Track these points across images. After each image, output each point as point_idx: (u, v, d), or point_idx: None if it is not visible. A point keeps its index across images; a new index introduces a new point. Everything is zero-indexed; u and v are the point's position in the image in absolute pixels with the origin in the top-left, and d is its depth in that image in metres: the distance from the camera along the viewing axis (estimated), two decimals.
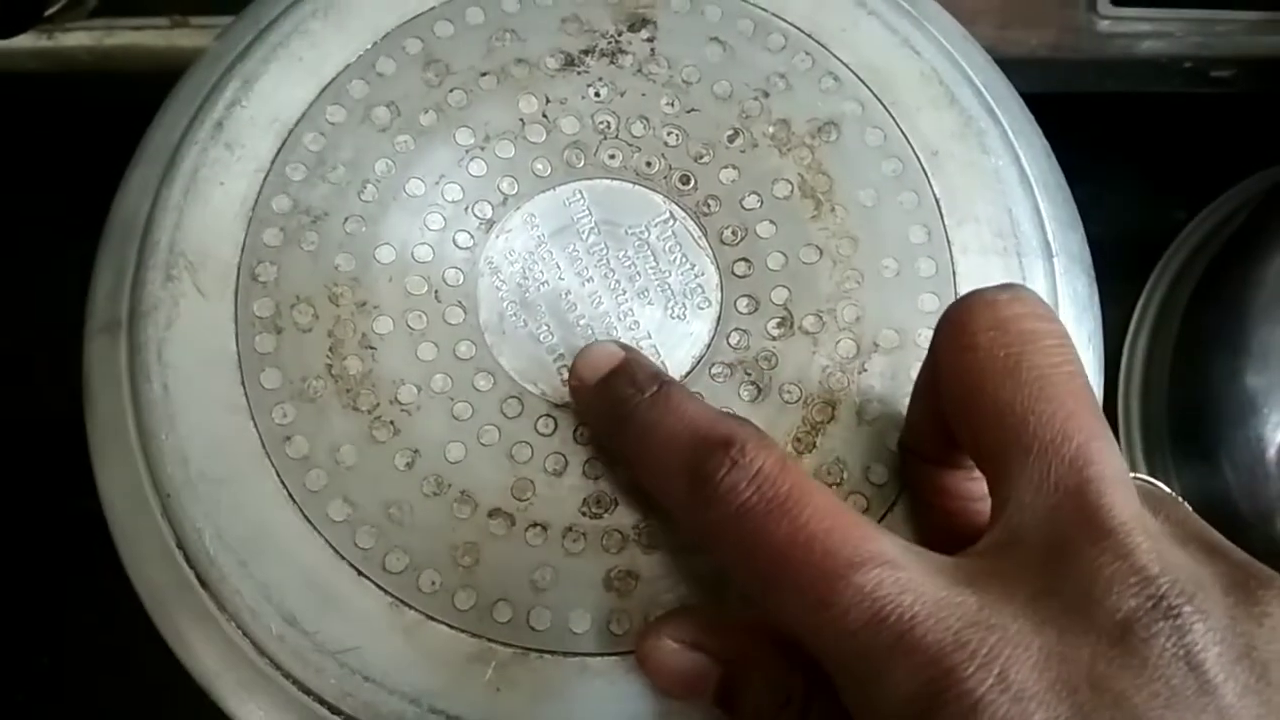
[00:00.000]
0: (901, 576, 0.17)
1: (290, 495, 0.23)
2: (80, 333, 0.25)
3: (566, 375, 0.24)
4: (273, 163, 0.25)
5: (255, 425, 0.23)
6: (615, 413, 0.21)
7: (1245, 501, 0.41)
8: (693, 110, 0.26)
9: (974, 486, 0.21)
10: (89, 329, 0.25)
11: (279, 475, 0.23)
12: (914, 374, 0.24)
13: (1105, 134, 0.43)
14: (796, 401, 0.24)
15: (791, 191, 0.25)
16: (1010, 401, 0.18)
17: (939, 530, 0.22)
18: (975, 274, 0.25)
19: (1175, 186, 0.46)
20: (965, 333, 0.19)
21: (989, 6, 0.28)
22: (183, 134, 0.25)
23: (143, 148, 0.26)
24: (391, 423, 0.23)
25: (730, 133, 0.26)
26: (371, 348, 0.24)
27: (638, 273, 0.25)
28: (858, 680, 0.17)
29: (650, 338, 0.25)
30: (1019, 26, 0.38)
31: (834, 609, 0.17)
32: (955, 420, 0.19)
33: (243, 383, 0.23)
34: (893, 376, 0.24)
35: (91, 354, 0.25)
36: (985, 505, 0.21)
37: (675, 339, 0.25)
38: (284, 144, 0.25)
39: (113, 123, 0.33)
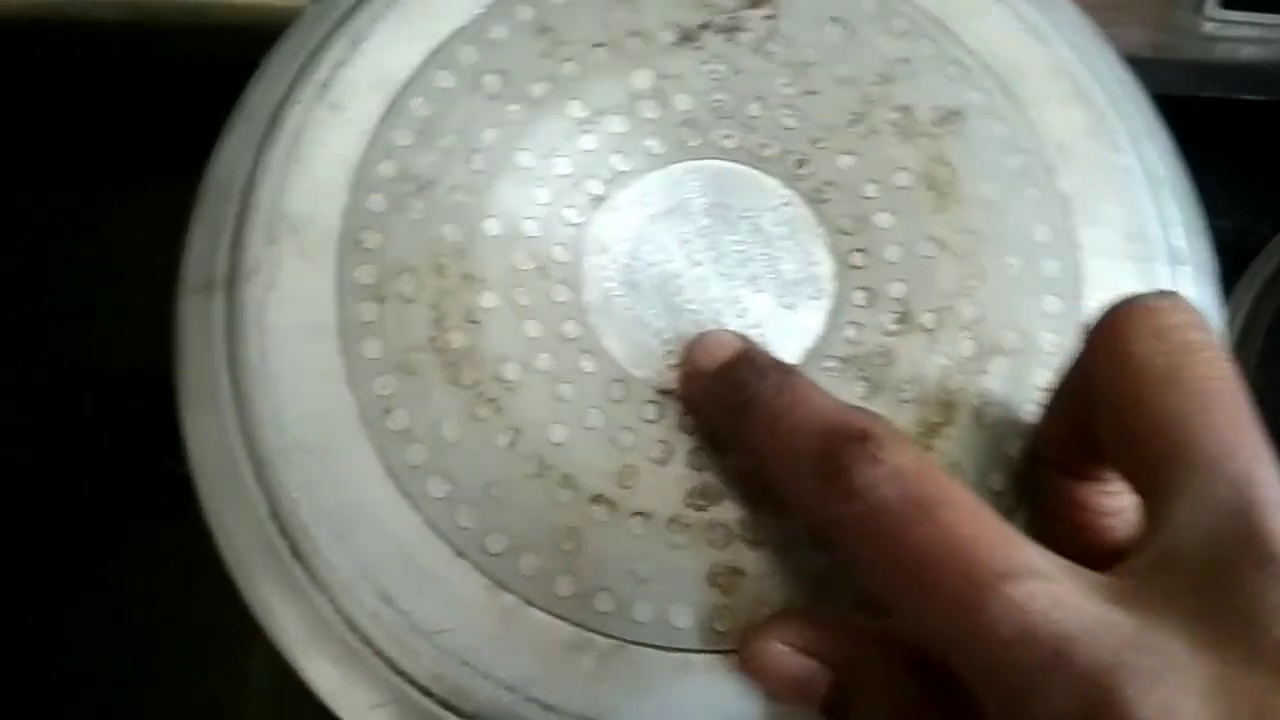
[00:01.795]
0: (1055, 590, 0.16)
1: (389, 469, 0.22)
2: (171, 286, 0.25)
3: (673, 361, 0.23)
4: (379, 126, 0.24)
5: (354, 395, 0.22)
6: (736, 398, 0.21)
7: None
8: (811, 93, 0.25)
9: (1108, 500, 0.20)
10: (183, 287, 0.24)
11: (377, 448, 0.22)
12: (1035, 379, 0.23)
13: (1199, 139, 0.42)
14: (912, 401, 0.23)
15: (912, 181, 0.24)
16: (1170, 412, 0.17)
17: (1064, 543, 0.21)
18: (1102, 278, 0.24)
19: (1267, 196, 0.44)
20: (1122, 339, 0.18)
21: (1095, 3, 0.27)
22: (285, 93, 0.24)
23: (242, 106, 0.25)
24: (494, 400, 0.23)
25: (850, 117, 0.25)
26: (475, 322, 0.23)
27: (749, 258, 0.24)
28: (1007, 694, 0.16)
29: (759, 327, 0.24)
30: (1124, 24, 0.37)
31: (982, 618, 0.16)
32: (1105, 430, 0.19)
33: (343, 351, 0.23)
34: (1014, 380, 0.23)
35: (185, 313, 0.24)
36: (1117, 521, 0.20)
37: (785, 329, 0.24)
38: (391, 108, 0.24)
39: (199, 77, 0.33)
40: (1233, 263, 0.43)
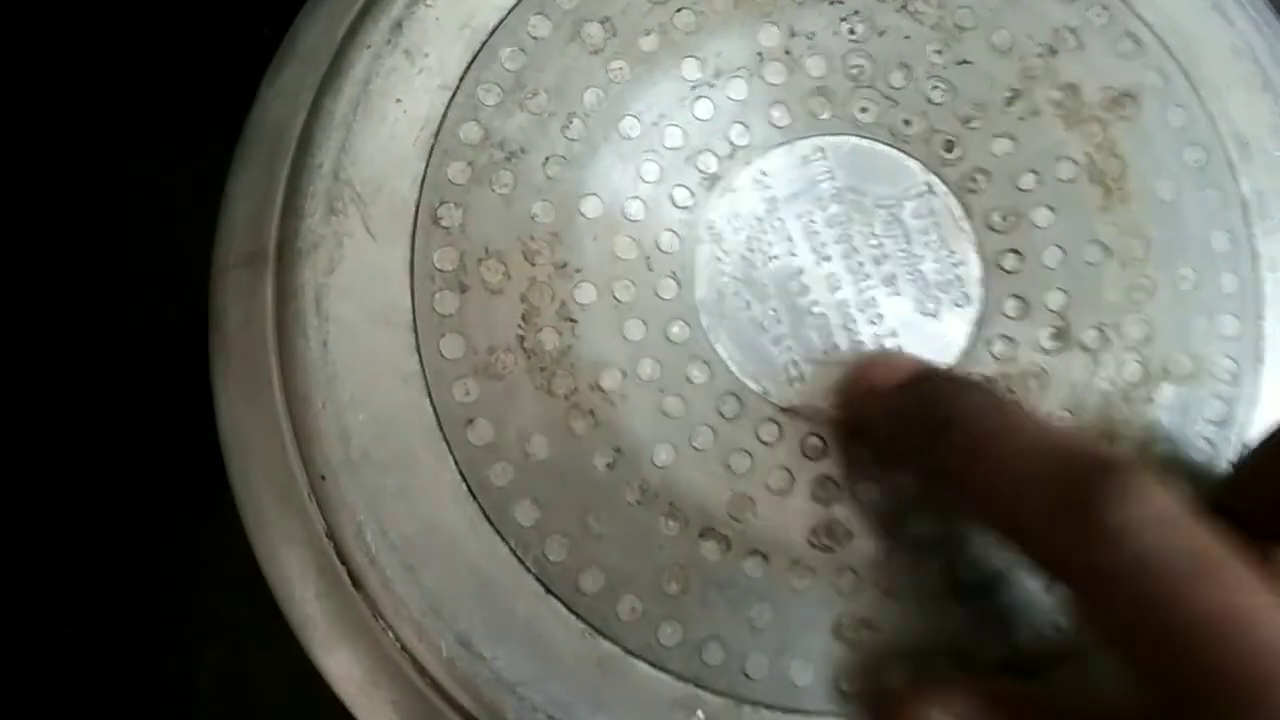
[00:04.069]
0: None
1: (470, 490, 0.19)
2: (208, 247, 0.21)
3: (795, 373, 0.20)
4: (461, 80, 0.20)
5: (432, 401, 0.19)
6: (931, 416, 0.17)
7: None
8: (964, 62, 0.21)
9: None
10: (222, 257, 0.21)
11: (458, 464, 0.19)
12: (1208, 411, 0.20)
13: None
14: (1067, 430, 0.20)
15: (1077, 173, 0.21)
16: None
17: None
18: None
19: None
20: None
21: None
22: (349, 30, 0.21)
23: (292, 41, 0.22)
24: (591, 412, 0.19)
25: (1008, 94, 0.21)
26: (571, 320, 0.20)
27: (885, 255, 0.21)
28: None
29: (896, 335, 0.21)
30: None
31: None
32: None
33: (418, 348, 0.19)
34: (1183, 411, 0.20)
35: (226, 289, 0.21)
36: None
37: (925, 339, 0.21)
38: (476, 58, 0.20)
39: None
40: None
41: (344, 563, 0.19)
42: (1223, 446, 0.20)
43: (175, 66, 0.32)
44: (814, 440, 0.20)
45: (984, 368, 0.20)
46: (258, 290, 0.20)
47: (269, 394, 0.20)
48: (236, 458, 0.20)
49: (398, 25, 0.20)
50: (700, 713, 0.19)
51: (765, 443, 0.20)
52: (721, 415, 0.20)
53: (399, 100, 0.20)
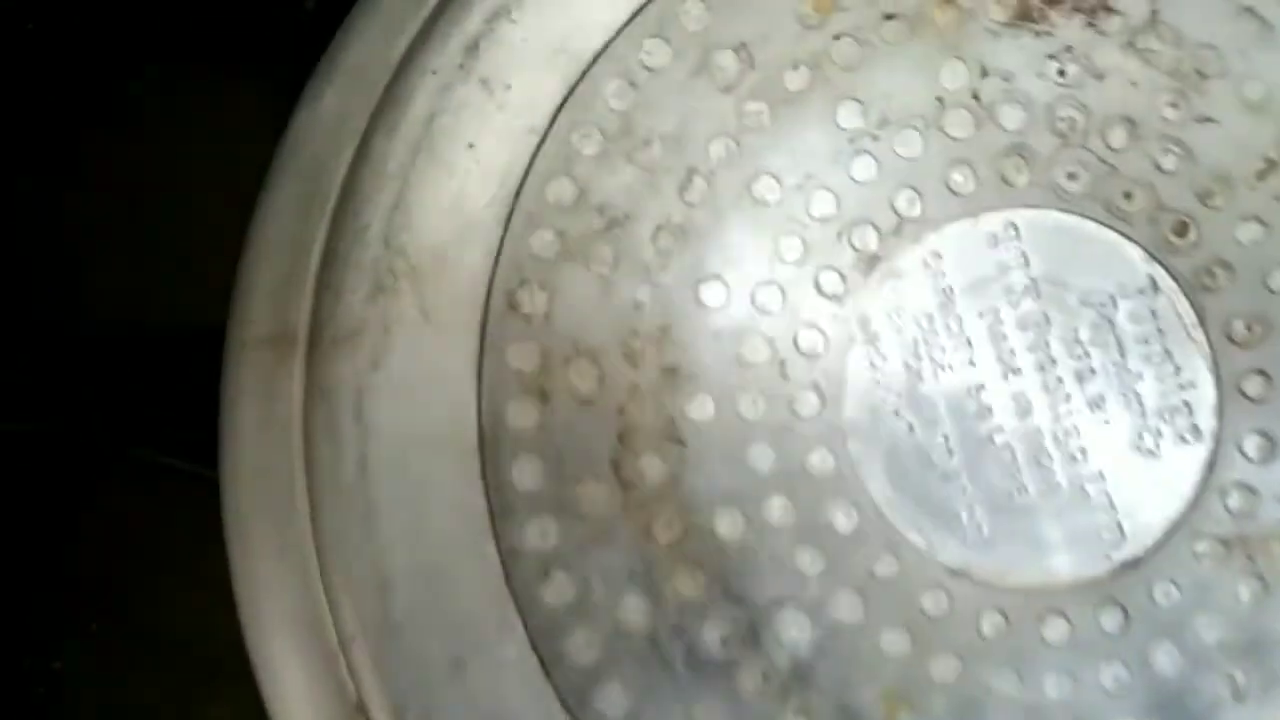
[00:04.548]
0: None
1: (544, 666, 0.15)
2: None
3: (969, 522, 0.16)
4: (553, 122, 0.16)
5: (499, 546, 0.15)
6: None
7: None
8: (1207, 120, 0.17)
9: None
10: (239, 332, 0.17)
11: (528, 631, 0.15)
12: None
13: None
14: None
15: None
16: None
17: None
18: None
19: None
20: None
21: None
22: (410, 49, 0.16)
23: (337, 60, 0.17)
24: (701, 565, 0.15)
25: (1262, 165, 0.17)
26: (681, 442, 0.16)
27: (1093, 369, 0.16)
28: None
29: (1102, 480, 0.16)
30: None
31: None
32: None
33: (484, 475, 0.15)
34: None
35: (241, 375, 0.16)
36: None
37: (1142, 486, 0.16)
38: (572, 93, 0.16)
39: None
40: None
41: None
42: None
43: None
44: (993, 617, 0.15)
45: (1215, 525, 0.16)
46: (281, 382, 0.16)
47: (291, 521, 0.16)
48: (248, 599, 0.16)
49: (473, 46, 0.16)
50: None
51: (930, 617, 0.15)
52: (873, 577, 0.16)
53: (471, 145, 0.16)
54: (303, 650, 0.15)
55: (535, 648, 0.15)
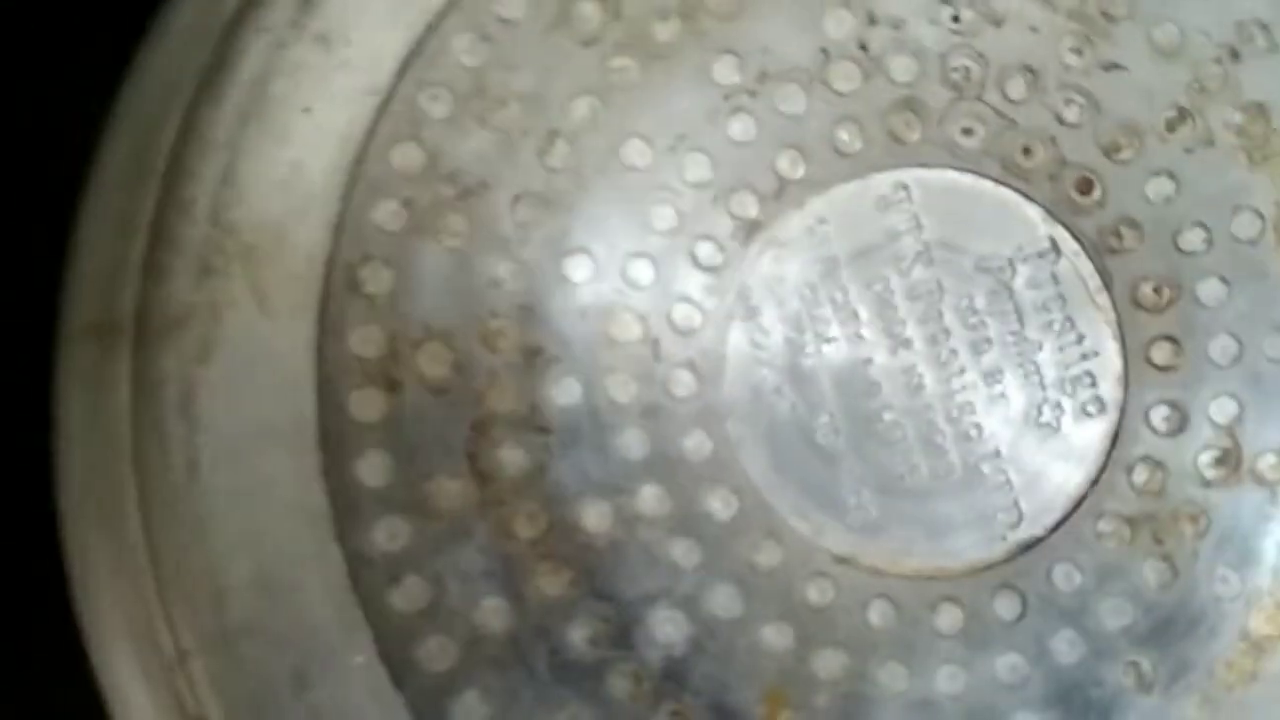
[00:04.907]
0: None
1: (393, 677, 0.14)
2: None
3: (856, 506, 0.15)
4: (398, 82, 0.15)
5: (343, 549, 0.14)
6: None
7: None
8: (1113, 67, 0.16)
9: None
10: (66, 326, 0.15)
11: (376, 640, 0.14)
12: None
13: None
14: (1235, 598, 0.15)
15: (1262, 231, 0.16)
16: None
17: None
18: None
19: None
20: None
21: None
22: (239, 8, 0.15)
23: (164, 20, 0.16)
24: (568, 563, 0.14)
25: (1172, 114, 0.16)
26: (544, 430, 0.15)
27: (989, 340, 0.16)
28: None
29: (999, 458, 0.16)
30: None
31: None
32: None
33: (325, 473, 0.14)
34: None
35: (69, 368, 0.15)
36: None
37: (1041, 463, 0.16)
38: (419, 49, 0.15)
39: None
40: None
41: None
42: None
43: None
44: (881, 606, 0.15)
45: (1120, 503, 0.15)
46: (109, 375, 0.15)
47: (125, 527, 0.14)
48: (86, 609, 0.15)
49: (308, 0, 0.14)
50: None
51: (815, 608, 0.15)
52: (753, 568, 0.15)
53: (307, 110, 0.15)
54: (141, 662, 0.15)
55: (385, 657, 0.14)
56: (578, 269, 0.15)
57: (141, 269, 0.15)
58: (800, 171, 0.16)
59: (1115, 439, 0.16)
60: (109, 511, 0.15)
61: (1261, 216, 0.16)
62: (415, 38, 0.15)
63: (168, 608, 0.14)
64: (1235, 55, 0.16)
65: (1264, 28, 0.16)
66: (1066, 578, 0.15)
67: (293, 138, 0.15)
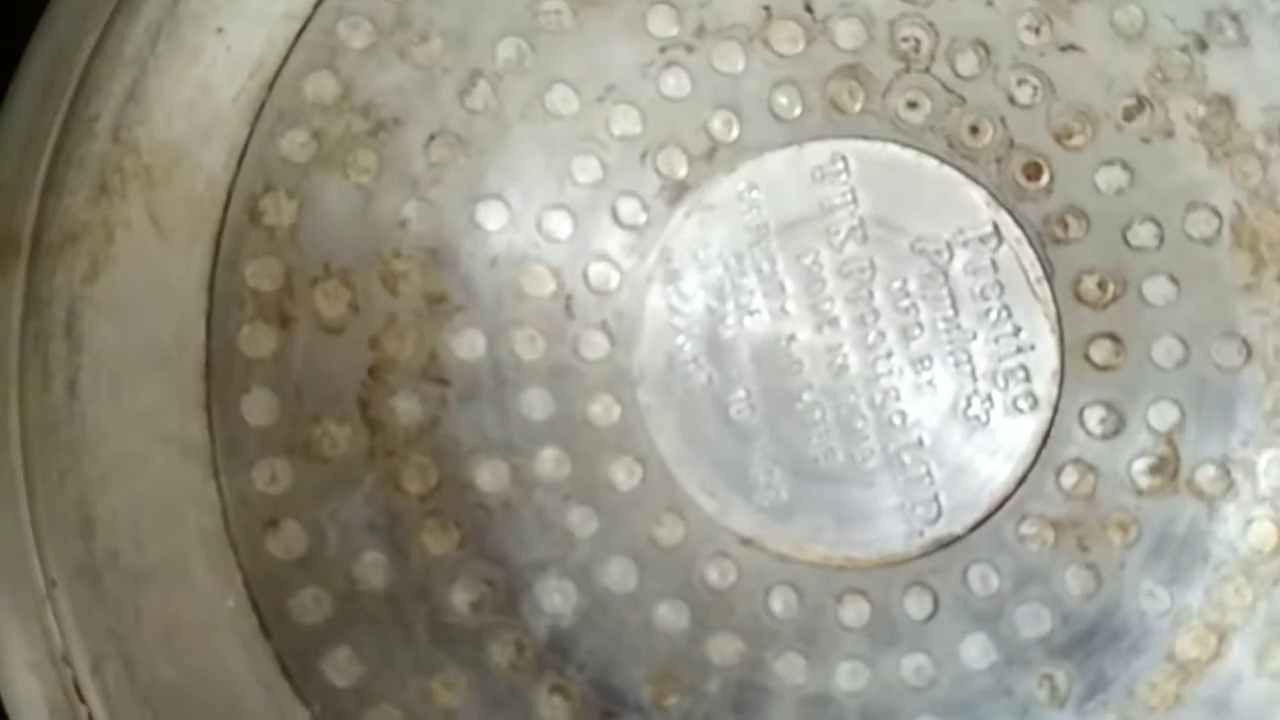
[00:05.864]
0: None
1: (263, 625, 0.14)
2: None
3: (766, 487, 0.14)
4: (316, 7, 0.15)
5: (220, 488, 0.14)
6: None
7: None
8: (1071, 48, 0.15)
9: None
10: None
11: (248, 585, 0.14)
12: None
13: None
14: (1164, 616, 0.15)
15: (1218, 230, 0.15)
16: None
17: None
18: None
19: None
20: None
21: None
22: None
23: None
24: (457, 524, 0.14)
25: (1130, 101, 0.16)
26: (443, 382, 0.15)
27: (919, 325, 0.15)
28: None
29: (921, 448, 0.15)
30: None
31: None
32: None
33: (208, 406, 0.14)
34: None
35: None
36: None
37: (965, 457, 0.15)
38: None
39: None
40: None
41: (83, 702, 0.14)
42: None
43: None
44: (784, 593, 0.14)
45: (1046, 505, 0.15)
46: (3, 291, 0.14)
47: (5, 450, 0.14)
48: None
49: None
50: None
51: (714, 589, 0.14)
52: (653, 542, 0.15)
53: (220, 30, 0.15)
54: (13, 592, 0.14)
55: (255, 603, 0.14)
56: (491, 216, 0.15)
57: (41, 188, 0.15)
58: (734, 134, 0.15)
59: (1046, 438, 0.15)
60: None
61: (1218, 215, 0.15)
62: None
63: (39, 535, 0.14)
64: (1202, 45, 0.16)
65: (1234, 18, 0.16)
66: (983, 579, 0.15)
67: (203, 57, 0.15)
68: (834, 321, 0.15)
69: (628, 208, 0.15)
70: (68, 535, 0.14)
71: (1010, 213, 0.16)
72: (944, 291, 0.15)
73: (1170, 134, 0.16)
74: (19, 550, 0.14)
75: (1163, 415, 0.15)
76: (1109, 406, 0.15)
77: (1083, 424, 0.15)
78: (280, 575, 0.14)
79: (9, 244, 0.15)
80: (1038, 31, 0.16)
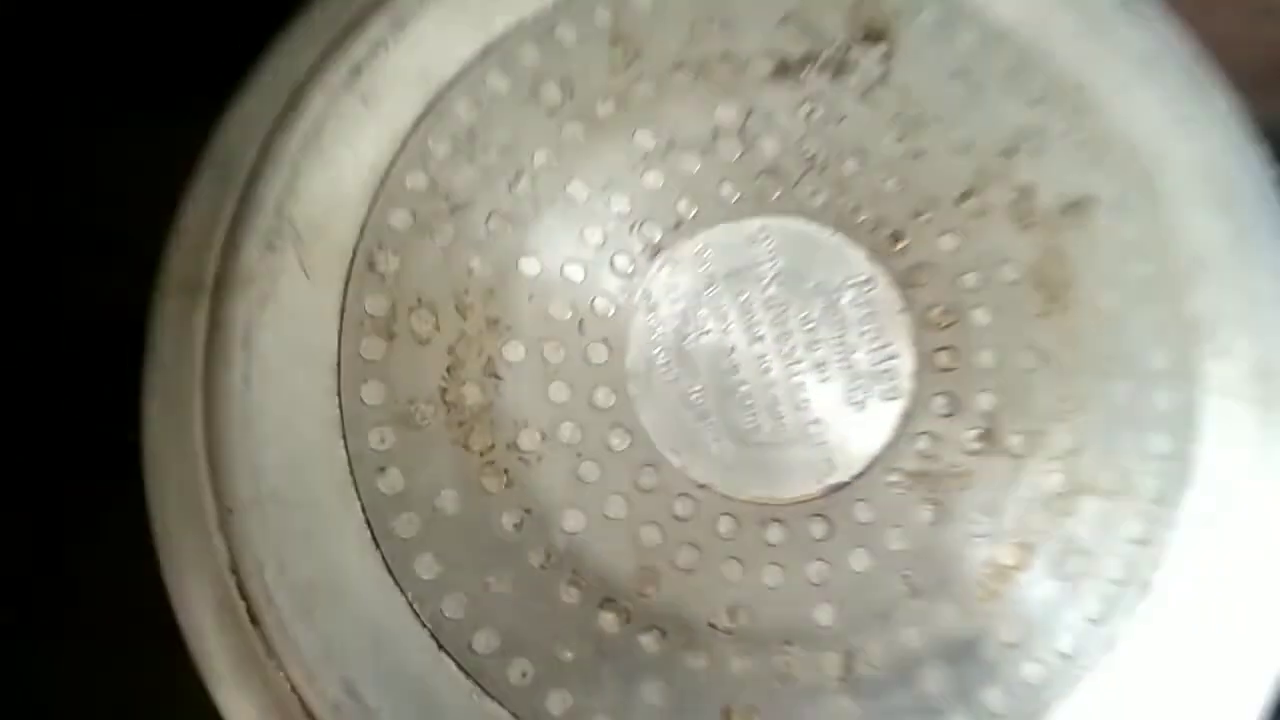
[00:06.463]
0: None
1: (374, 538, 0.19)
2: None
3: (715, 450, 0.20)
4: (414, 129, 0.20)
5: (346, 446, 0.19)
6: None
7: None
8: (921, 155, 0.21)
9: None
10: (164, 283, 0.21)
11: (365, 511, 0.19)
12: (1129, 529, 0.20)
13: None
14: (984, 536, 0.20)
15: (1021, 276, 0.21)
16: None
17: None
18: (1223, 421, 0.21)
19: None
20: None
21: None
22: (309, 72, 0.21)
23: (256, 77, 0.22)
24: (506, 471, 0.19)
25: (961, 192, 0.21)
26: (497, 376, 0.20)
27: (818, 341, 0.21)
28: None
29: (820, 423, 0.20)
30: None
31: None
32: None
33: (339, 392, 0.19)
34: (1103, 527, 0.20)
35: (163, 315, 0.21)
36: None
37: (850, 429, 0.20)
38: (431, 108, 0.20)
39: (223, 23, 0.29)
40: None
41: (244, 598, 0.19)
42: (1141, 567, 0.20)
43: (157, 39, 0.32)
44: (727, 521, 0.20)
45: (906, 463, 0.20)
46: (192, 319, 0.20)
47: (190, 422, 0.20)
48: (153, 481, 0.20)
49: (357, 70, 0.20)
50: None
51: (679, 518, 0.20)
52: (637, 486, 0.20)
53: (350, 144, 0.20)
54: (195, 520, 0.19)
55: (369, 524, 0.19)
56: (529, 266, 0.20)
57: (222, 246, 0.21)
58: (693, 213, 0.21)
59: (906, 417, 0.20)
60: (179, 418, 0.20)
61: (1021, 266, 0.21)
62: (429, 100, 0.20)
63: (216, 482, 0.20)
64: (1012, 152, 0.21)
65: (1035, 135, 0.21)
66: (863, 512, 0.20)
67: (337, 163, 0.20)
68: (761, 339, 0.20)
69: (621, 261, 0.20)
70: (240, 478, 0.19)
71: (882, 265, 0.21)
72: (837, 318, 0.21)
73: (988, 212, 0.21)
74: (200, 490, 0.19)
75: (985, 402, 0.20)
76: (949, 396, 0.20)
77: (930, 408, 0.20)
78: (386, 505, 0.19)
79: (197, 285, 0.21)
80: (899, 144, 0.21)
